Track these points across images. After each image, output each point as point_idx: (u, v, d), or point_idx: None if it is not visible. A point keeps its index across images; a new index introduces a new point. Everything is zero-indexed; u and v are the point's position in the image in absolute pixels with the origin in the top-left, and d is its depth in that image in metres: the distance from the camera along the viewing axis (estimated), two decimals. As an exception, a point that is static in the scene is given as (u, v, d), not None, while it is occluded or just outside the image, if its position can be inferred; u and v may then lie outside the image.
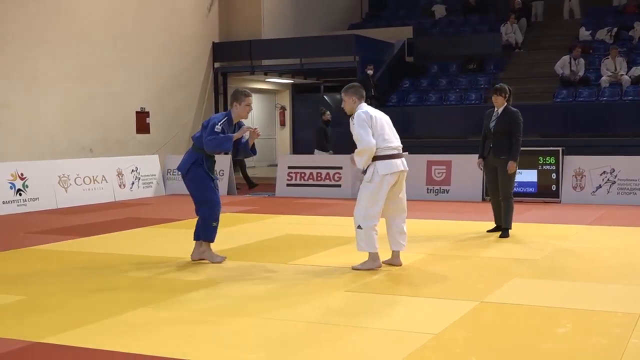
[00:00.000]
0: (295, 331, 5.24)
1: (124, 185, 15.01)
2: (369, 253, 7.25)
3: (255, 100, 24.97)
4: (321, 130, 15.85)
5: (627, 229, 10.06)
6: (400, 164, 7.24)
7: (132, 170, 15.26)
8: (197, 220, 8.00)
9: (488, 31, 21.86)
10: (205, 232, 7.87)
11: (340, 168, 14.85)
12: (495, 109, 9.54)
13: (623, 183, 12.90)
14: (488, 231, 9.67)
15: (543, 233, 9.75)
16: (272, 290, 6.50)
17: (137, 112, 18.94)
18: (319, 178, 15.04)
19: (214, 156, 7.98)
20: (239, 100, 7.82)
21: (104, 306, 5.99)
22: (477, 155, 9.73)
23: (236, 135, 7.74)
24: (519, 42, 20.98)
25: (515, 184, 13.28)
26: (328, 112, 15.59)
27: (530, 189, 13.38)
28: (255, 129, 7.90)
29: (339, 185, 14.81)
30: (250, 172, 22.00)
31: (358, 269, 7.24)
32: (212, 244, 7.92)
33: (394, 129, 7.41)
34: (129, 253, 8.54)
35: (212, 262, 7.78)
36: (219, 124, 7.65)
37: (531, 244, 8.80)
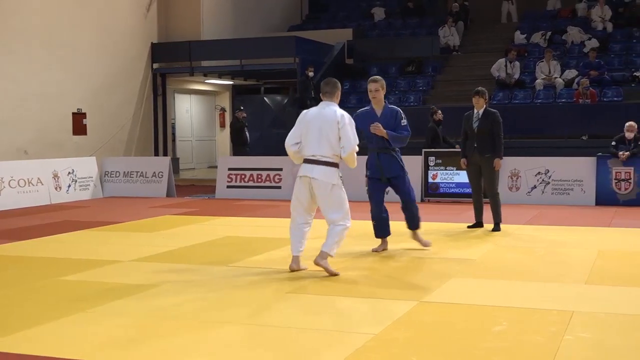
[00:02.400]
0: (234, 334, 5.20)
1: (60, 188, 14.71)
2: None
3: (195, 101, 24.82)
4: (432, 130, 14.87)
5: (561, 228, 10.27)
6: (308, 169, 7.08)
7: (69, 173, 14.96)
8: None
9: (426, 34, 22.12)
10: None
11: (281, 170, 14.82)
12: (476, 111, 9.88)
13: (557, 183, 13.17)
14: (469, 227, 10.13)
15: (480, 233, 9.88)
16: (210, 293, 6.44)
17: (73, 113, 18.60)
18: (259, 180, 14.99)
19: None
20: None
21: (37, 312, 5.85)
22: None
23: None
24: (456, 45, 21.29)
25: (453, 185, 13.61)
26: (440, 112, 14.91)
27: (467, 190, 13.48)
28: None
29: (279, 187, 14.78)
30: (190, 174, 21.90)
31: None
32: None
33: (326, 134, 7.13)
34: (65, 257, 8.36)
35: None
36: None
37: (468, 244, 8.91)
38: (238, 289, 6.56)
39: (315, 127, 7.10)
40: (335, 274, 7.04)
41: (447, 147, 14.44)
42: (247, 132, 17.64)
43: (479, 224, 10.11)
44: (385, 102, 8.43)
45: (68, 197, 14.73)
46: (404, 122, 8.25)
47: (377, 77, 8.53)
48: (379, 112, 8.32)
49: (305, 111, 7.34)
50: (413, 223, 8.43)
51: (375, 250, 8.26)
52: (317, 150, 7.05)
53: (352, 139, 7.02)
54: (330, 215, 7.08)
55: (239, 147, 17.55)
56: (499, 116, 9.91)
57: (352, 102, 18.98)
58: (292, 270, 7.23)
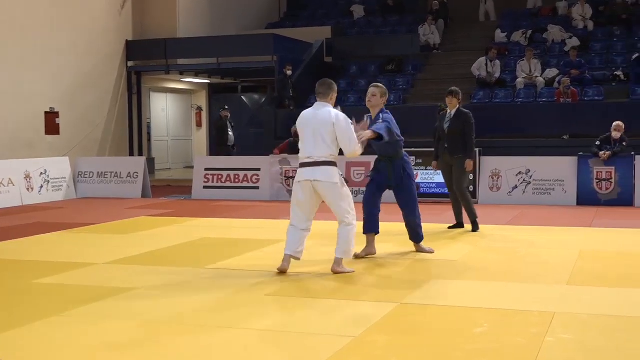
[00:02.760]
0: (211, 337, 5.19)
1: (32, 189, 14.60)
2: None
3: (171, 100, 24.74)
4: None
5: (543, 228, 10.35)
6: (305, 172, 7.13)
7: (41, 173, 14.85)
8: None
9: (406, 32, 22.18)
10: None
11: (259, 170, 14.80)
12: (449, 111, 9.91)
13: (538, 183, 13.27)
14: (450, 227, 10.17)
15: (461, 233, 9.94)
16: (187, 296, 6.42)
17: (46, 112, 18.47)
18: (237, 180, 14.96)
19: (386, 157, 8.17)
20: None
21: (10, 316, 5.81)
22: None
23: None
24: (436, 43, 21.36)
25: (433, 185, 13.66)
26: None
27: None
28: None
29: (257, 187, 14.77)
30: (165, 174, 21.82)
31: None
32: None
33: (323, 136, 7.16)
34: (39, 259, 8.31)
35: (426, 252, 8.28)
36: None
37: (449, 245, 8.96)
38: (215, 292, 6.55)
39: (309, 128, 7.15)
40: (351, 272, 7.22)
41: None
42: (230, 132, 17.58)
43: (459, 224, 10.16)
44: (382, 109, 8.07)
45: (40, 198, 14.62)
46: (384, 123, 7.74)
47: (380, 84, 8.40)
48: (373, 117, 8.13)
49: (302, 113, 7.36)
50: (412, 235, 8.30)
51: (357, 256, 7.87)
52: (314, 151, 7.09)
53: (351, 141, 7.05)
54: (339, 215, 7.20)
55: (222, 146, 17.49)
56: (472, 117, 9.97)
57: (331, 101, 19.00)
58: (280, 272, 7.21)
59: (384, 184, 8.16)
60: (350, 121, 7.18)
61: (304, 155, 7.15)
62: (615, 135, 12.86)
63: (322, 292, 6.57)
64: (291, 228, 7.27)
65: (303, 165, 7.15)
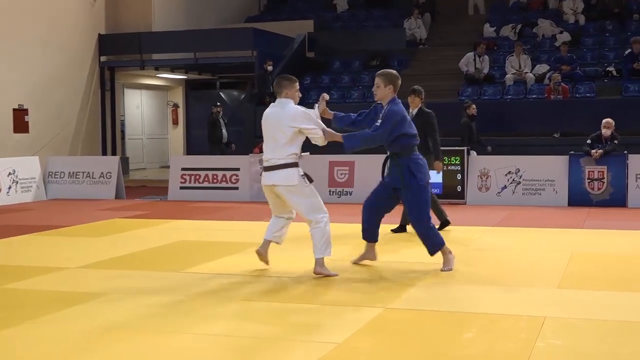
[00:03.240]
0: (188, 344, 5.18)
1: (0, 190, 14.49)
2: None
3: (146, 97, 24.66)
4: (466, 126, 14.55)
5: (533, 230, 10.40)
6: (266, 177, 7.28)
7: (9, 173, 14.74)
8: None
9: (391, 26, 22.23)
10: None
11: (238, 169, 14.77)
12: (410, 110, 9.90)
13: (528, 183, 13.33)
14: (392, 231, 9.94)
15: (448, 236, 9.94)
16: (163, 301, 6.40)
17: (14, 110, 18.35)
18: (215, 180, 14.92)
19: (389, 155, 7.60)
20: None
21: (-23, 322, 5.76)
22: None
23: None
24: (423, 38, 21.42)
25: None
26: (474, 106, 14.68)
27: (435, 190, 13.57)
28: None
29: (237, 188, 14.74)
30: (140, 174, 21.74)
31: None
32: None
33: (277, 137, 7.20)
34: (7, 263, 8.25)
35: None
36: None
37: (437, 247, 8.96)
38: (192, 297, 6.53)
39: (267, 129, 7.27)
40: (334, 275, 7.24)
41: (481, 148, 14.42)
42: (224, 129, 17.46)
43: (403, 226, 10.02)
44: (393, 99, 7.52)
45: (9, 200, 14.52)
46: (379, 122, 7.34)
47: (386, 71, 7.95)
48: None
49: None
50: (427, 248, 7.56)
51: (354, 262, 7.81)
52: (272, 154, 7.20)
53: (317, 133, 7.12)
54: (305, 215, 7.24)
55: (215, 144, 17.36)
56: (434, 117, 10.04)
57: (313, 97, 18.99)
58: (258, 255, 7.48)
59: (389, 184, 7.58)
60: (310, 111, 7.21)
61: (264, 157, 7.31)
62: (606, 132, 12.94)
63: (303, 296, 6.56)
64: (272, 217, 7.54)
65: (264, 169, 7.31)
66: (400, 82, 7.58)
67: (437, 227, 9.85)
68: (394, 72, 7.76)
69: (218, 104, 18.08)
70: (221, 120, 17.44)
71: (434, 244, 7.48)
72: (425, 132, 9.77)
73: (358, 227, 8.04)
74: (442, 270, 7.38)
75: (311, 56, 21.53)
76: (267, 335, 5.33)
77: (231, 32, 20.95)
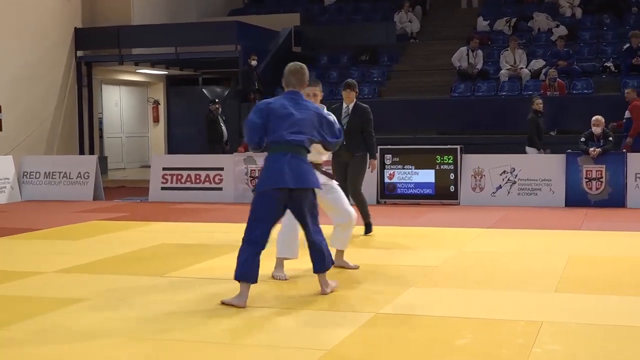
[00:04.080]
0: (171, 351, 5.18)
1: (-28, 191, 14.44)
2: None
3: (125, 94, 24.59)
4: (533, 122, 14.47)
5: (528, 231, 10.44)
6: None
7: (-18, 173, 14.70)
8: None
9: (381, 20, 22.25)
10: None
11: (222, 169, 14.75)
12: (345, 105, 9.93)
13: (524, 183, 13.38)
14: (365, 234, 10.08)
15: (441, 238, 10.00)
16: (145, 306, 6.39)
17: (-14, 107, 18.27)
18: (198, 180, 14.90)
19: None
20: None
21: (-51, 330, 5.74)
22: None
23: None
24: (414, 32, 21.46)
25: (412, 185, 13.72)
26: (539, 100, 14.48)
27: (428, 190, 13.69)
28: None
29: (220, 189, 14.72)
30: (119, 174, 21.68)
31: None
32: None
33: None
34: (-21, 268, 8.22)
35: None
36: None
37: (428, 250, 9.00)
38: (175, 302, 6.52)
39: None
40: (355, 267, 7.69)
41: (543, 146, 14.33)
42: (223, 127, 17.33)
43: (368, 225, 10.10)
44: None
45: (-19, 201, 14.47)
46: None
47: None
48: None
49: None
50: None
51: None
52: None
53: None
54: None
55: (214, 144, 17.22)
56: (370, 112, 10.01)
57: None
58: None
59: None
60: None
61: None
62: (596, 130, 13.00)
63: (290, 302, 6.56)
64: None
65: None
66: (290, 76, 6.70)
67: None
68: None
69: (217, 100, 17.95)
70: (220, 119, 17.32)
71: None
72: (362, 129, 9.86)
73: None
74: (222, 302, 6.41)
75: (297, 51, 21.51)
76: (254, 342, 5.34)
77: (214, 26, 20.92)
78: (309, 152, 6.56)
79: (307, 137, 6.45)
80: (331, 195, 7.42)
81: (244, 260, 6.31)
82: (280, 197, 6.34)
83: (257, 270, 6.35)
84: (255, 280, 6.35)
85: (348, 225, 7.58)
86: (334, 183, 7.53)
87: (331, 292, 6.68)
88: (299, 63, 6.79)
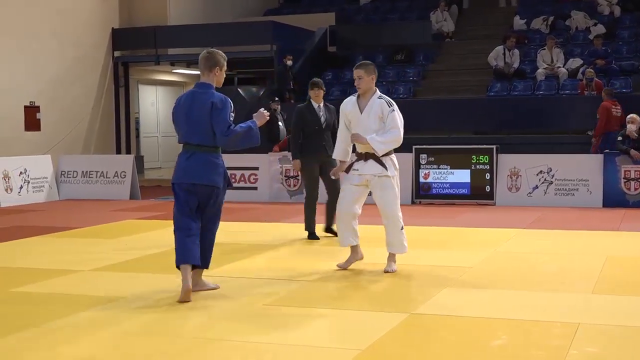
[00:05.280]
0: (207, 349, 5.19)
1: (11, 190, 14.62)
2: (396, 255, 7.70)
3: (161, 93, 24.75)
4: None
5: (565, 232, 10.34)
6: None
7: (21, 173, 14.87)
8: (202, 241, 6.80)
9: (417, 19, 22.18)
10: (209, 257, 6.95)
11: (257, 169, 14.80)
12: (316, 105, 9.92)
13: (560, 183, 13.26)
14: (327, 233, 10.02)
15: (476, 238, 9.94)
16: (181, 305, 6.42)
17: (25, 107, 18.48)
18: (233, 180, 14.95)
19: None
20: (220, 64, 6.81)
21: (-13, 327, 5.82)
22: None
23: (259, 123, 6.73)
24: (450, 31, 21.35)
25: (447, 185, 13.66)
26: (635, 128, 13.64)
27: (463, 190, 13.62)
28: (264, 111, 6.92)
29: (255, 188, 14.77)
30: (155, 174, 21.83)
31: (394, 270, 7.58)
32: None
33: None
34: (18, 266, 8.32)
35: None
36: (232, 109, 6.71)
37: (463, 251, 8.95)
38: (211, 301, 6.55)
39: None
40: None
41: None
42: (282, 124, 17.25)
43: (330, 228, 9.95)
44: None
45: (20, 200, 14.64)
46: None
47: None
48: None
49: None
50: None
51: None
52: None
53: None
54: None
55: (271, 143, 17.13)
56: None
57: (335, 93, 19.00)
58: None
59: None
60: None
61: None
62: (631, 127, 12.86)
63: (324, 302, 6.56)
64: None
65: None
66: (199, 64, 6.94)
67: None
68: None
69: (276, 99, 17.85)
70: (279, 117, 17.24)
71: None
72: (334, 127, 9.67)
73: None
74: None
75: (333, 50, 21.53)
76: (288, 342, 5.34)
77: (249, 26, 20.98)
78: (216, 146, 6.71)
79: (202, 137, 6.72)
80: (380, 192, 7.49)
81: (181, 246, 6.63)
82: (185, 190, 6.79)
83: (197, 251, 6.63)
84: (196, 261, 6.59)
85: (392, 227, 7.55)
86: (392, 178, 7.48)
87: (186, 296, 6.44)
88: (210, 49, 7.00)
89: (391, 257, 7.68)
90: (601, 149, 13.98)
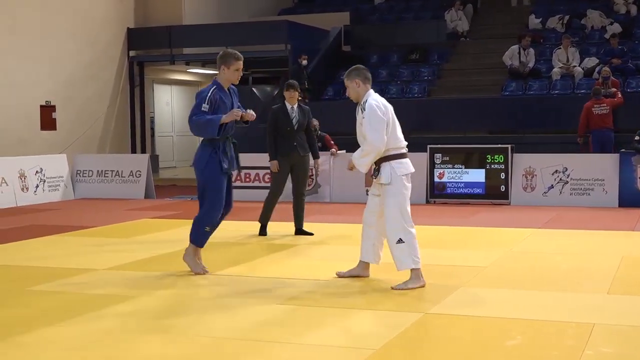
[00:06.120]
0: (221, 349, 5.21)
1: (27, 189, 14.69)
2: (413, 271, 6.91)
3: (176, 93, 24.83)
4: None
5: (581, 232, 10.31)
6: (411, 164, 7.11)
7: (37, 172, 14.95)
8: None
9: (431, 18, 22.14)
10: (194, 234, 7.65)
11: (271, 168, 14.78)
12: (290, 106, 10.02)
13: (576, 183, 13.21)
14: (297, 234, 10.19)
15: (491, 238, 9.92)
16: (196, 304, 6.44)
17: (41, 106, 18.58)
18: (248, 179, 14.99)
19: (230, 138, 7.61)
20: (227, 63, 7.47)
21: (2, 326, 5.84)
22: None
23: (224, 119, 7.32)
24: (464, 30, 21.30)
25: (462, 185, 13.63)
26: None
27: (478, 190, 13.59)
28: (249, 112, 7.47)
29: (269, 187, 14.73)
30: (170, 173, 21.89)
31: (402, 289, 6.86)
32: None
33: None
34: (33, 265, 8.36)
35: (192, 271, 7.59)
36: (206, 100, 7.32)
37: (478, 250, 8.94)
38: (226, 300, 6.57)
39: (395, 117, 7.14)
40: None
41: None
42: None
43: (300, 229, 10.15)
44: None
45: (36, 199, 14.72)
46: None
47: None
48: None
49: (377, 101, 7.06)
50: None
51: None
52: (404, 140, 7.17)
53: None
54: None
55: None
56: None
57: (350, 93, 18.97)
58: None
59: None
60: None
61: (403, 144, 7.10)
62: None
63: (339, 301, 6.56)
64: (414, 233, 6.94)
65: (406, 155, 7.11)
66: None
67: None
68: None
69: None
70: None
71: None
72: (308, 128, 10.07)
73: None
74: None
75: (347, 50, 21.52)
76: (302, 342, 5.34)
77: (264, 25, 21.00)
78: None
79: None
80: (385, 200, 6.97)
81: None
82: None
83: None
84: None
85: (388, 241, 6.99)
86: (391, 186, 6.90)
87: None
88: (226, 49, 7.96)
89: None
90: (594, 147, 14.29)
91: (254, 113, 7.50)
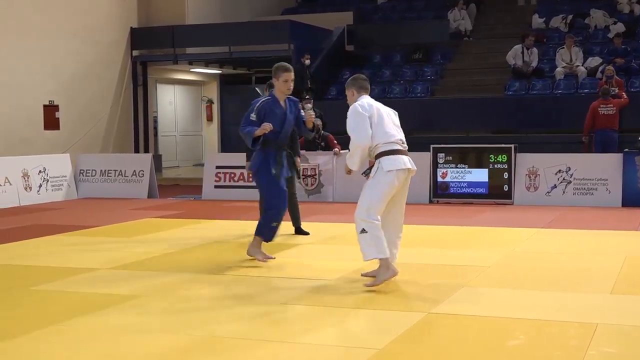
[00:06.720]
0: (221, 348, 5.21)
1: (30, 188, 14.71)
2: (380, 260, 6.82)
3: (179, 93, 24.83)
4: None
5: (584, 232, 10.29)
6: (407, 161, 6.96)
7: (40, 171, 14.96)
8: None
9: (434, 18, 22.13)
10: (263, 230, 8.17)
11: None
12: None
13: (579, 183, 13.19)
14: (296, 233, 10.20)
15: (494, 237, 9.91)
16: (198, 304, 6.45)
17: (44, 106, 18.60)
18: (251, 179, 14.95)
19: (283, 147, 8.22)
20: (277, 75, 8.17)
21: (4, 325, 5.85)
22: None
23: (257, 132, 7.85)
24: (468, 30, 21.29)
25: (465, 184, 13.62)
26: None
27: (481, 190, 13.58)
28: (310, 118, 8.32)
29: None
30: (173, 172, 21.90)
31: (371, 285, 6.83)
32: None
33: (398, 124, 7.16)
34: (36, 264, 8.37)
35: (257, 259, 8.12)
36: (255, 111, 7.96)
37: (481, 250, 8.93)
38: (228, 300, 6.57)
39: (383, 115, 7.04)
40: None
41: None
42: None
43: (298, 229, 10.15)
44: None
45: (39, 199, 14.73)
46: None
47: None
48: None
49: (362, 102, 7.04)
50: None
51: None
52: (401, 136, 7.10)
53: None
54: (402, 217, 7.33)
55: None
56: None
57: (353, 93, 18.97)
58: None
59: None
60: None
61: (397, 139, 6.99)
62: None
63: (342, 300, 6.56)
64: (377, 225, 6.82)
65: (400, 152, 6.96)
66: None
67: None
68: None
69: (307, 97, 17.63)
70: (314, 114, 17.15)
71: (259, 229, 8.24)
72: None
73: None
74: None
75: (350, 50, 21.52)
76: (304, 341, 5.35)
77: (267, 25, 21.00)
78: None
79: None
80: (363, 188, 7.02)
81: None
82: None
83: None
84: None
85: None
86: (374, 178, 6.88)
87: None
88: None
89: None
90: (596, 147, 14.26)
91: (312, 119, 8.28)
